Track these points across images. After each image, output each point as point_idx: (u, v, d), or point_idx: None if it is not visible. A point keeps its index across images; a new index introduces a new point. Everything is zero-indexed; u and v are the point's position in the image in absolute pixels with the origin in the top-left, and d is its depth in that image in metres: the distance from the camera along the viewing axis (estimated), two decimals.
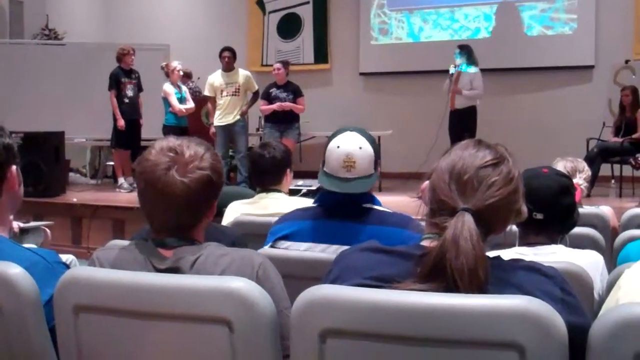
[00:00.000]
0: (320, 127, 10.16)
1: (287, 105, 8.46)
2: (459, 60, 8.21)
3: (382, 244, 1.54)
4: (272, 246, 2.45)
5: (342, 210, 2.36)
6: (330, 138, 2.40)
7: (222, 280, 1.54)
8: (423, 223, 1.56)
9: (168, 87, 8.58)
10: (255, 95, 8.64)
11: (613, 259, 2.70)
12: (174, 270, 1.62)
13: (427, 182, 1.53)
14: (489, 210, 1.42)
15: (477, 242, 1.37)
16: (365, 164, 2.33)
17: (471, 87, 8.16)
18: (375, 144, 2.39)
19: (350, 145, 2.32)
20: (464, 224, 1.38)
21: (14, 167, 1.82)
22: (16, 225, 3.98)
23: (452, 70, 8.20)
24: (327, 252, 2.30)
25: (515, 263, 1.47)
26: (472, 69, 8.21)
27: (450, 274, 1.36)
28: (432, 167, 1.53)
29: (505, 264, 1.46)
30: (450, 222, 1.40)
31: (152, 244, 1.69)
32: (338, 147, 2.33)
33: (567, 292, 1.42)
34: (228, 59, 8.52)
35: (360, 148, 2.32)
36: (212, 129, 8.50)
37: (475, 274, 1.35)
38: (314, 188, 6.43)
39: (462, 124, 8.11)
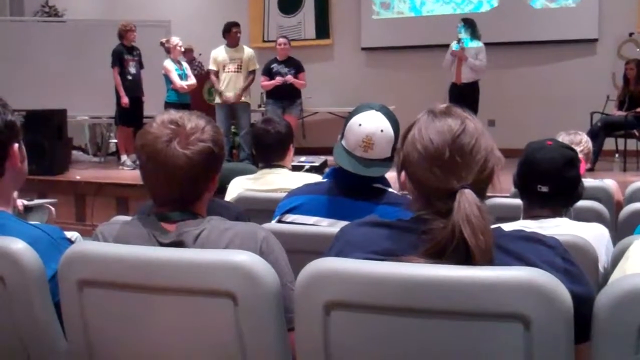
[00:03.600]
0: (323, 102, 10.16)
1: (289, 79, 8.42)
2: (462, 34, 8.15)
3: None
4: (279, 220, 2.45)
5: (353, 188, 2.34)
6: (353, 113, 2.35)
7: (225, 254, 1.54)
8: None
9: (169, 64, 8.50)
10: (252, 74, 8.58)
11: (618, 231, 2.70)
12: (178, 244, 1.63)
13: (403, 174, 1.50)
14: (479, 175, 1.42)
15: (486, 215, 1.37)
16: (384, 147, 2.30)
17: (477, 59, 8.11)
18: (398, 126, 2.33)
19: (372, 126, 2.29)
20: (469, 202, 1.37)
21: (16, 145, 1.82)
22: (20, 202, 4.00)
23: (454, 45, 8.14)
24: (334, 227, 2.29)
25: (516, 234, 1.46)
26: (476, 43, 8.16)
27: (467, 251, 1.35)
28: (399, 155, 1.50)
29: (506, 235, 1.45)
30: (453, 204, 1.38)
31: (155, 218, 1.69)
32: (360, 125, 2.29)
33: (569, 262, 1.42)
34: (239, 34, 8.49)
35: (382, 131, 2.28)
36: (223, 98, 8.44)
37: (489, 250, 1.36)
38: (317, 164, 6.42)
39: (466, 98, 8.06)
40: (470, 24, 8.24)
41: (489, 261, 1.35)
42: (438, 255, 1.38)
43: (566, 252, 1.44)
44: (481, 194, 1.41)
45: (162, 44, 8.71)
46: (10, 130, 1.79)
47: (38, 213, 4.62)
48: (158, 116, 1.71)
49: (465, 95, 8.03)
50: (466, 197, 1.38)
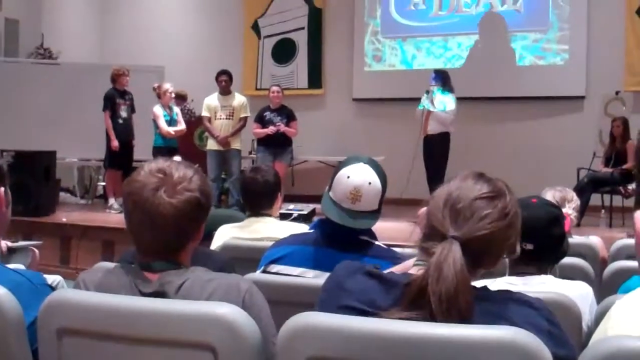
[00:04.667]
0: (313, 151, 10.20)
1: (281, 127, 8.49)
2: (433, 85, 8.21)
3: None
4: (264, 270, 2.44)
5: (340, 240, 2.34)
6: (341, 164, 2.37)
7: (207, 306, 1.52)
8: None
9: (157, 109, 8.50)
10: (243, 121, 8.63)
11: (602, 289, 2.70)
12: (160, 294, 1.61)
13: (424, 209, 1.55)
14: (478, 241, 1.42)
15: (461, 270, 1.37)
16: (371, 199, 2.32)
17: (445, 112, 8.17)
18: (385, 179, 2.36)
19: (360, 178, 2.30)
20: (450, 251, 1.39)
21: (1, 189, 1.81)
22: (4, 244, 3.96)
23: (424, 101, 8.19)
24: (319, 279, 2.28)
25: (502, 294, 1.47)
26: (446, 95, 8.19)
27: (428, 299, 1.36)
28: (432, 195, 1.54)
29: (492, 295, 1.46)
30: (437, 248, 1.40)
31: (138, 267, 1.68)
32: (348, 177, 2.31)
33: (554, 324, 1.43)
34: (225, 83, 8.56)
35: (370, 183, 2.30)
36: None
37: (455, 302, 1.35)
38: (305, 212, 6.43)
39: (434, 149, 8.14)
40: (442, 75, 8.32)
41: (458, 316, 1.35)
42: (414, 304, 1.38)
43: (551, 314, 1.44)
44: (473, 259, 1.41)
45: (154, 89, 8.75)
46: None
47: (22, 255, 4.57)
48: (146, 164, 1.71)
49: (433, 147, 8.09)
50: (450, 247, 1.39)
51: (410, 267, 1.55)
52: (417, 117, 8.27)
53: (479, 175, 1.52)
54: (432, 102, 8.14)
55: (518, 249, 1.52)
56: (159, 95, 8.59)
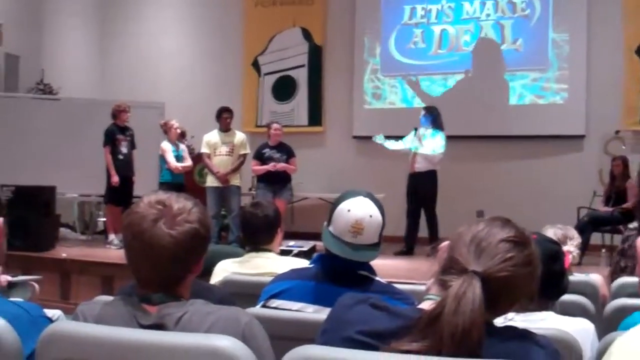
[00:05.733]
0: (313, 188, 10.21)
1: (281, 166, 8.52)
2: (423, 126, 8.29)
3: None
4: (263, 305, 2.42)
5: (340, 275, 2.33)
6: (340, 199, 2.37)
7: (207, 338, 1.52)
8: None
9: (165, 145, 8.74)
10: (243, 158, 8.68)
11: (603, 326, 2.68)
12: (159, 326, 1.60)
13: (446, 242, 1.55)
14: (497, 282, 1.42)
15: (479, 306, 1.37)
16: (372, 232, 2.32)
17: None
18: (384, 212, 2.37)
19: (360, 212, 2.30)
20: (470, 285, 1.39)
21: (1, 219, 1.81)
22: (4, 278, 3.95)
23: (413, 142, 8.30)
24: (319, 314, 2.27)
25: (509, 331, 1.46)
26: (436, 132, 8.28)
27: (441, 331, 1.35)
28: (457, 230, 1.55)
29: (498, 331, 1.45)
30: (457, 281, 1.40)
31: (137, 300, 1.67)
32: (349, 210, 2.31)
33: None
34: (229, 120, 8.65)
35: (371, 216, 2.31)
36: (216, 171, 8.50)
37: (468, 337, 1.35)
38: (305, 249, 6.41)
39: (421, 187, 8.23)
40: (431, 112, 8.39)
41: (467, 351, 1.34)
42: (425, 334, 1.38)
43: (556, 353, 1.44)
44: (489, 299, 1.40)
45: (160, 125, 8.90)
46: None
47: (21, 290, 4.57)
48: (145, 196, 1.71)
49: (419, 185, 8.17)
50: (471, 281, 1.40)
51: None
52: (402, 153, 8.47)
53: (507, 221, 1.54)
54: (419, 141, 8.22)
55: (533, 298, 1.52)
56: (165, 131, 8.73)
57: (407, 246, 8.38)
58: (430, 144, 8.22)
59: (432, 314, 1.39)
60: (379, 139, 8.66)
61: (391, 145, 8.65)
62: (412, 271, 6.71)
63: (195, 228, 1.67)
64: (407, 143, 8.46)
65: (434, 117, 8.33)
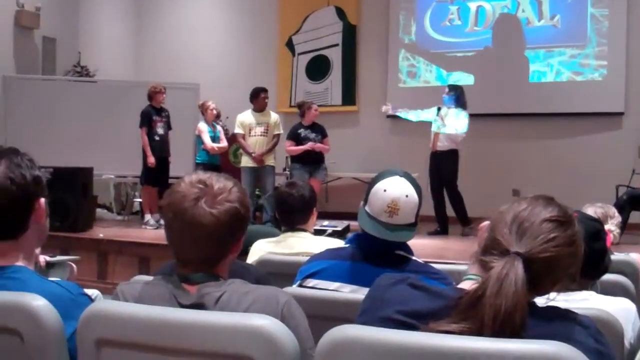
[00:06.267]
0: (347, 168, 10.20)
1: (319, 146, 8.53)
2: (446, 105, 8.25)
3: None
4: (300, 284, 2.43)
5: (376, 255, 2.32)
6: (377, 178, 2.35)
7: (246, 318, 1.52)
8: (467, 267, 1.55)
9: (202, 125, 8.83)
10: (277, 138, 8.70)
11: None
12: (198, 306, 1.62)
13: (486, 222, 1.53)
14: (540, 262, 1.41)
15: (522, 288, 1.36)
16: (409, 212, 2.30)
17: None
18: (421, 192, 2.35)
19: (397, 191, 2.29)
20: (513, 267, 1.37)
21: (42, 200, 1.83)
22: (43, 259, 4.01)
23: (436, 121, 8.25)
24: (356, 294, 2.27)
25: (550, 310, 1.45)
26: (459, 111, 8.20)
27: (483, 313, 1.34)
28: (498, 210, 1.53)
29: (540, 311, 1.43)
30: (498, 262, 1.39)
31: (177, 279, 1.68)
32: (385, 190, 2.29)
33: (602, 343, 1.40)
34: (267, 100, 8.69)
35: (407, 196, 2.29)
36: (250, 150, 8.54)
37: (511, 319, 1.34)
38: (339, 229, 6.41)
39: (442, 166, 8.18)
40: (455, 93, 8.30)
41: (511, 333, 1.33)
42: (466, 315, 1.37)
43: (599, 334, 1.42)
44: (531, 280, 1.39)
45: (198, 106, 8.99)
46: (36, 185, 1.81)
47: (60, 270, 4.64)
48: (186, 176, 1.72)
49: (441, 164, 8.13)
50: (513, 262, 1.38)
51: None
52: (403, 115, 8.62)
53: (550, 199, 1.52)
54: (442, 121, 8.16)
55: (577, 278, 1.50)
56: (203, 112, 8.79)
57: (441, 226, 8.34)
58: (453, 123, 8.15)
59: (473, 295, 1.38)
60: (387, 109, 8.62)
61: (411, 116, 8.60)
62: (444, 250, 6.69)
63: (235, 207, 1.68)
64: (426, 115, 8.39)
65: (457, 96, 8.26)
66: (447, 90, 8.41)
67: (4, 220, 1.77)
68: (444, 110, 8.27)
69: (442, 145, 8.23)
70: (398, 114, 8.76)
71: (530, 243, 1.42)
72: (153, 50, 12.05)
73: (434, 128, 8.31)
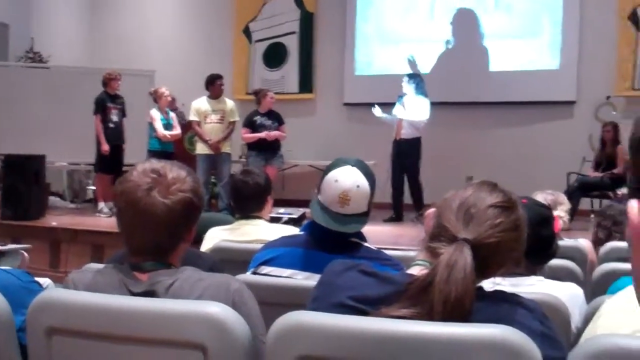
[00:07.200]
0: (303, 156, 10.20)
1: (275, 134, 8.51)
2: (405, 88, 8.31)
3: None
4: (254, 271, 2.43)
5: (329, 242, 2.33)
6: (329, 168, 2.36)
7: (197, 305, 1.52)
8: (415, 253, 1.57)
9: (154, 113, 8.63)
10: (233, 125, 8.64)
11: (591, 291, 2.71)
12: (150, 294, 1.61)
13: (433, 209, 1.55)
14: (487, 248, 1.43)
15: (471, 274, 1.38)
16: (360, 202, 2.31)
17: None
18: (373, 180, 2.36)
19: (348, 182, 2.29)
20: (462, 253, 1.40)
21: None
22: None
23: (397, 108, 8.33)
24: (309, 280, 2.28)
25: (497, 295, 1.47)
26: (420, 98, 8.30)
27: (433, 298, 1.36)
28: (444, 197, 1.55)
29: (487, 295, 1.46)
30: (446, 249, 1.41)
31: (128, 267, 1.67)
32: (336, 180, 2.30)
33: (547, 326, 1.43)
34: (223, 87, 8.63)
35: (358, 187, 2.30)
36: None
37: (461, 304, 1.36)
38: (295, 216, 6.42)
39: (406, 154, 8.25)
40: (414, 78, 8.39)
41: (460, 318, 1.36)
42: (416, 300, 1.39)
43: (544, 316, 1.45)
44: (478, 264, 1.41)
45: (150, 93, 8.82)
46: None
47: (11, 258, 4.56)
48: (139, 165, 1.71)
49: (404, 152, 8.20)
50: (462, 249, 1.40)
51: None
52: (387, 121, 8.52)
53: (494, 185, 1.54)
54: (403, 106, 8.24)
55: (521, 261, 1.53)
56: (155, 99, 8.65)
57: (396, 213, 8.41)
58: (414, 109, 8.22)
59: (423, 281, 1.40)
60: (377, 112, 8.65)
61: (389, 119, 8.65)
62: (399, 237, 6.75)
63: (189, 197, 1.68)
64: (397, 111, 8.46)
65: (417, 84, 8.34)
66: (406, 79, 8.47)
67: None
68: (405, 97, 8.33)
69: (406, 132, 8.28)
70: (382, 118, 8.74)
71: (477, 229, 1.44)
72: (107, 36, 11.87)
73: (397, 115, 8.34)
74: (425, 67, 10.21)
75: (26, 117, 9.32)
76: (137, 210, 1.64)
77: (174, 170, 1.69)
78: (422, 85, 8.38)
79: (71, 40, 11.70)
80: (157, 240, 1.67)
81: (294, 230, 3.09)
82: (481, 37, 10.15)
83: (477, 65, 10.10)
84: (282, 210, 6.49)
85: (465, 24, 10.25)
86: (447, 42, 10.33)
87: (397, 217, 8.38)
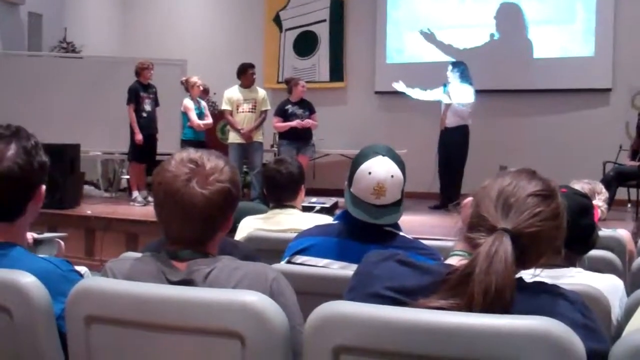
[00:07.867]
0: (335, 145, 10.18)
1: (307, 122, 8.50)
2: (450, 77, 8.24)
3: None
4: (288, 260, 2.43)
5: (365, 231, 2.32)
6: (360, 158, 2.33)
7: (235, 294, 1.52)
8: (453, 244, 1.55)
9: (188, 102, 8.65)
10: (264, 114, 8.65)
11: (631, 282, 2.66)
12: (187, 282, 1.61)
13: (470, 198, 1.53)
14: (527, 237, 1.41)
15: (511, 265, 1.36)
16: (395, 191, 2.30)
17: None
18: (404, 167, 2.34)
19: (382, 173, 2.27)
20: (501, 244, 1.38)
21: (43, 187, 1.83)
22: (30, 236, 3.99)
23: (442, 94, 8.23)
24: (345, 270, 2.27)
25: (538, 286, 1.45)
26: (465, 86, 8.21)
27: (472, 289, 1.34)
28: (481, 185, 1.52)
29: (527, 286, 1.44)
30: (486, 239, 1.39)
31: (166, 256, 1.68)
32: (370, 173, 2.28)
33: (589, 318, 1.41)
34: (255, 76, 8.62)
35: (392, 177, 2.28)
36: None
37: (501, 295, 1.34)
38: (327, 205, 6.41)
39: (452, 143, 8.17)
40: (458, 66, 8.31)
41: (501, 309, 1.34)
42: (455, 291, 1.38)
43: (586, 308, 1.43)
44: (518, 254, 1.39)
45: (182, 82, 8.85)
46: (41, 171, 1.81)
47: (47, 246, 4.60)
48: (177, 154, 1.71)
49: (451, 141, 8.12)
50: (502, 239, 1.38)
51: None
52: (427, 101, 8.49)
53: (533, 173, 1.52)
54: (449, 95, 8.17)
55: (563, 251, 1.50)
56: (187, 88, 8.68)
57: (444, 201, 8.27)
58: (458, 96, 8.15)
59: (463, 272, 1.38)
60: (400, 86, 8.60)
61: (415, 94, 8.58)
62: (435, 227, 6.70)
63: (227, 187, 1.67)
64: (435, 95, 8.38)
65: (461, 71, 8.26)
66: (450, 67, 8.40)
67: (4, 204, 1.77)
68: (449, 86, 8.27)
69: (450, 121, 8.22)
70: (408, 92, 8.69)
71: (516, 219, 1.42)
72: (140, 26, 11.95)
73: (443, 103, 8.28)
74: (457, 55, 10.11)
75: (60, 106, 9.42)
76: (175, 201, 1.64)
77: (211, 160, 1.69)
78: (466, 72, 8.32)
79: (104, 30, 11.80)
80: (195, 230, 1.67)
81: (327, 219, 3.08)
82: (524, 25, 10.00)
83: (512, 52, 9.98)
84: (314, 199, 6.49)
85: (506, 11, 10.11)
86: (483, 29, 10.20)
87: (442, 205, 8.27)
